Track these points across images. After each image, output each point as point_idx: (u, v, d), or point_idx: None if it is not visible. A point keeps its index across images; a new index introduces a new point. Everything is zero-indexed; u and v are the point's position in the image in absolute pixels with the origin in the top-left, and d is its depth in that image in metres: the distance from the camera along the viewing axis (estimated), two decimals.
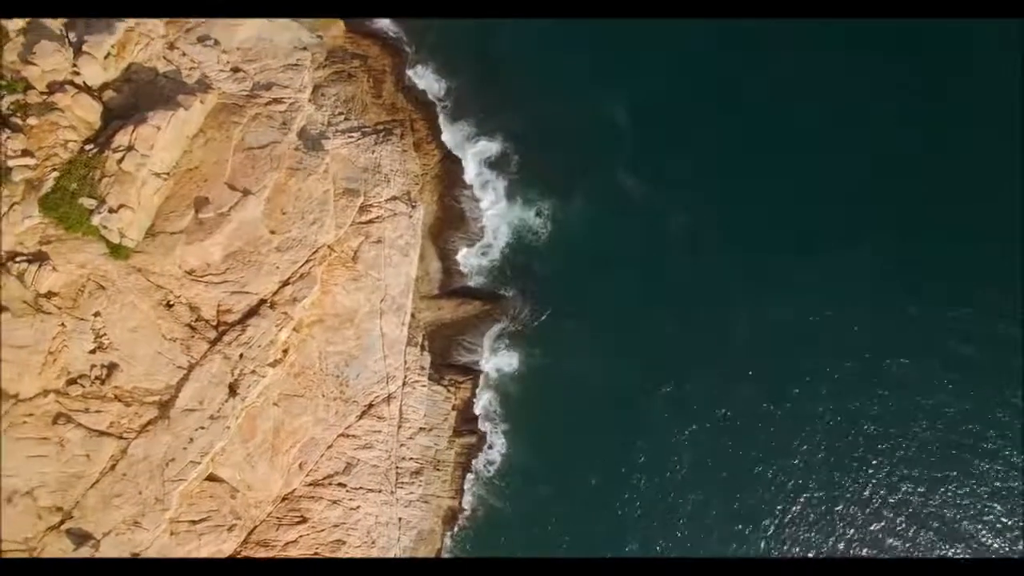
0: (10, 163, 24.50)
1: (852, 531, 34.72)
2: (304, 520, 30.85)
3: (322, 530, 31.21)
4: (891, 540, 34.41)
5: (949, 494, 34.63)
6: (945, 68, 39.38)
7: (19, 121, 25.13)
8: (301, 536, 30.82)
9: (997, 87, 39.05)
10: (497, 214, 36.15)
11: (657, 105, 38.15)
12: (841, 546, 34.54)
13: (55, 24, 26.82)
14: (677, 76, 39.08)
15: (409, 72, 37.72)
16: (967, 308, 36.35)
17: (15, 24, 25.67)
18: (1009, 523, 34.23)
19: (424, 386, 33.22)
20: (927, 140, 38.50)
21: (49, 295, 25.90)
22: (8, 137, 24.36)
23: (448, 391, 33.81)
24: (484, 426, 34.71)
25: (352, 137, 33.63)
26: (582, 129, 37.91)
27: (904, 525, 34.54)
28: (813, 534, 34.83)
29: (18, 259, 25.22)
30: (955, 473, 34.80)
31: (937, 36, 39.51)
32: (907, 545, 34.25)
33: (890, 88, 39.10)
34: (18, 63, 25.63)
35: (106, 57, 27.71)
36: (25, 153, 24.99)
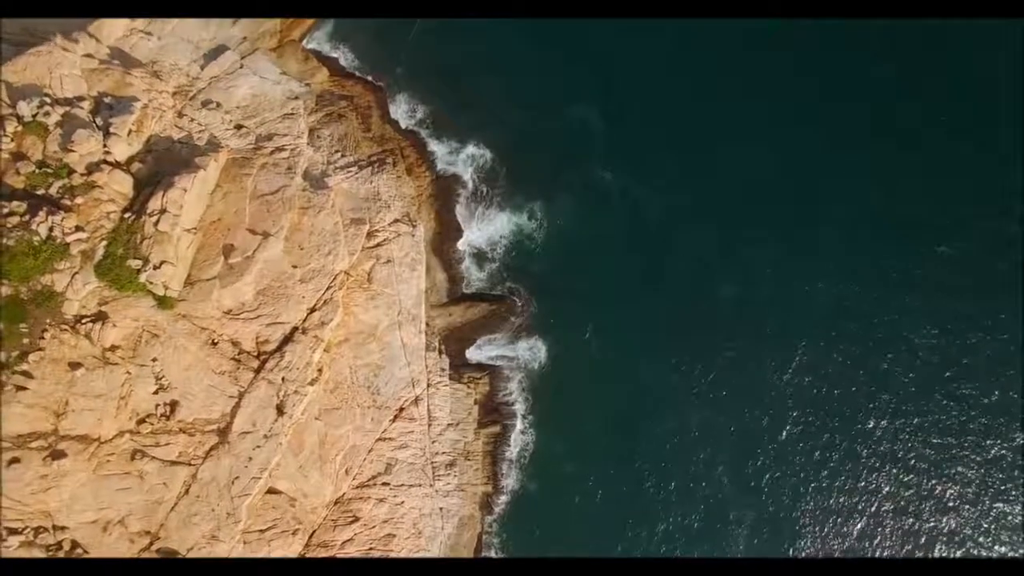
0: (67, 239, 29.54)
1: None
2: (356, 519, 35.68)
3: (373, 526, 36.06)
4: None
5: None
6: (944, 68, 43.90)
7: (68, 202, 30.09)
8: (356, 534, 35.64)
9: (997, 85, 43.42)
10: (491, 222, 40.92)
11: (622, 104, 42.92)
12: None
13: (84, 113, 31.96)
14: (640, 75, 43.80)
15: (391, 104, 42.74)
16: None
17: (53, 118, 30.80)
18: None
19: (446, 386, 38.08)
20: (892, 131, 43.10)
21: (113, 348, 30.80)
22: (63, 218, 29.48)
23: (468, 387, 38.64)
24: (505, 415, 39.19)
25: (351, 172, 38.77)
26: (555, 133, 42.66)
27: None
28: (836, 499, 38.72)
29: (84, 321, 30.21)
30: None
31: (937, 36, 43.85)
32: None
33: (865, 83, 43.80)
34: (60, 152, 30.62)
35: (129, 134, 32.74)
36: (78, 229, 29.96)
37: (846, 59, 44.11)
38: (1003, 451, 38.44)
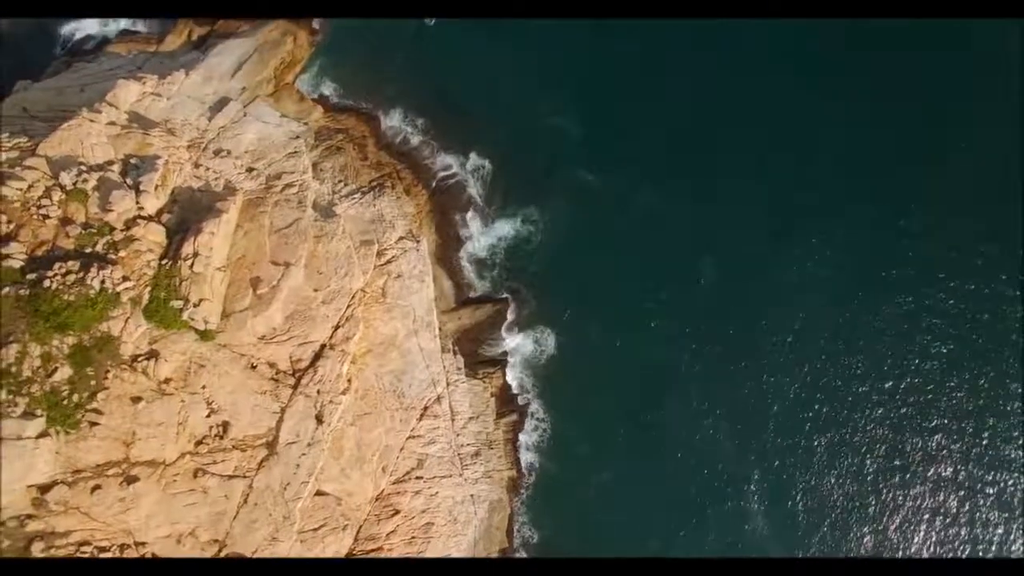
0: (117, 289, 34.17)
1: None
2: (397, 512, 40.04)
3: (413, 517, 40.60)
4: None
5: None
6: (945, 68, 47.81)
7: (113, 256, 34.63)
8: (398, 526, 40.06)
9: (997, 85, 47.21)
10: (488, 229, 45.34)
11: (598, 108, 47.30)
12: None
13: (115, 175, 36.70)
14: (627, 77, 48.42)
15: (383, 128, 47.33)
16: None
17: (91, 184, 35.53)
18: None
19: (464, 383, 42.50)
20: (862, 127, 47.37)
21: (167, 381, 35.29)
22: (111, 271, 34.19)
23: (484, 382, 43.08)
24: (520, 404, 43.56)
25: (355, 198, 43.46)
26: (537, 141, 46.92)
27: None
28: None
29: (139, 359, 34.85)
30: None
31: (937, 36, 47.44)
32: None
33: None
34: (100, 212, 35.21)
35: (156, 189, 37.37)
36: (124, 279, 34.42)
37: (840, 59, 48.31)
38: None
